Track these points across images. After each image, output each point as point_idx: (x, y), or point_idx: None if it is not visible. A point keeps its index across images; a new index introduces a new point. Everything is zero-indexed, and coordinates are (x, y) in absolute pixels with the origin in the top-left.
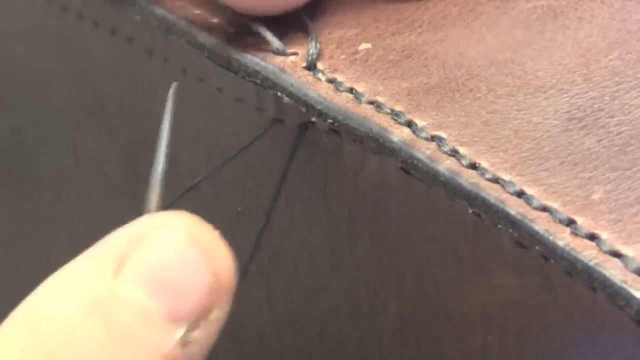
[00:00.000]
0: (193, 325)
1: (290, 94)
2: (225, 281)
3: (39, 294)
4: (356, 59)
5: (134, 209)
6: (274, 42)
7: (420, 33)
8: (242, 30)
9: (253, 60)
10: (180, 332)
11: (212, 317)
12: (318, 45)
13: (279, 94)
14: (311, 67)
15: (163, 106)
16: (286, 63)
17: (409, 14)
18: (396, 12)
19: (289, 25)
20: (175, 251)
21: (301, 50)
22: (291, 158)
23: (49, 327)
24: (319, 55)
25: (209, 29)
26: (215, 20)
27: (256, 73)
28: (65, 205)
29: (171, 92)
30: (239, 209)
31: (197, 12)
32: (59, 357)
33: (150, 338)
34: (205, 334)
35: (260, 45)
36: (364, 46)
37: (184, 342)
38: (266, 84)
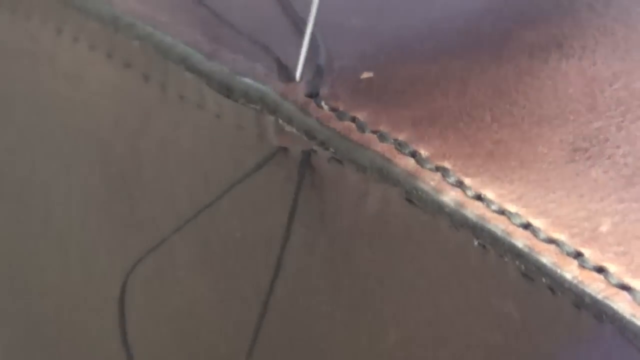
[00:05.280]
0: None
1: (291, 121)
2: None
3: None
4: (359, 88)
5: (127, 232)
6: (279, 67)
7: (422, 62)
8: (243, 56)
9: (254, 86)
10: None
11: None
12: (321, 72)
13: (280, 121)
14: (313, 94)
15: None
16: (288, 89)
17: (410, 43)
18: (397, 41)
19: (293, 51)
20: None
21: (304, 77)
22: (298, 188)
23: None
24: (321, 83)
25: (209, 54)
26: (214, 46)
27: (257, 99)
28: (58, 228)
29: None
30: (238, 235)
31: (198, 38)
32: None
33: None
34: None
35: (261, 71)
36: (366, 75)
37: None
38: (267, 110)
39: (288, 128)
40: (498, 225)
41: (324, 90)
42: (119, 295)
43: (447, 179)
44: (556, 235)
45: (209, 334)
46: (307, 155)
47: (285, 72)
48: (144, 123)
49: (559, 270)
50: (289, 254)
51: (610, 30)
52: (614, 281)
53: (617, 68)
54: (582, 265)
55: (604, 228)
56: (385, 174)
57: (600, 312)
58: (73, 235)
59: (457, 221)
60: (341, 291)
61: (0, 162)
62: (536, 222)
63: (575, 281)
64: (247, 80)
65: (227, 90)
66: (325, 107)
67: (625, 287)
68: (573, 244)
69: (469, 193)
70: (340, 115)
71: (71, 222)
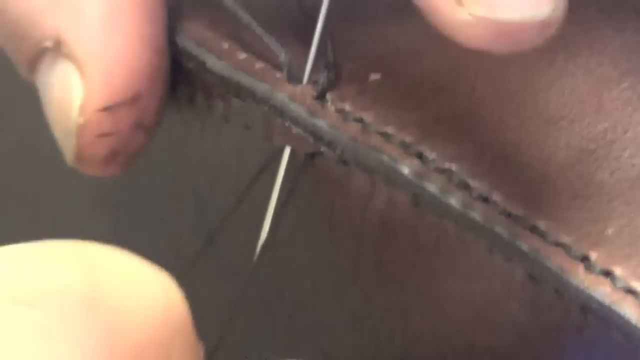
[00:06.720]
0: None
1: (298, 123)
2: None
3: None
4: (365, 89)
5: (133, 234)
6: (289, 68)
7: (430, 64)
8: (252, 57)
9: (262, 87)
10: None
11: None
12: (331, 75)
13: (287, 123)
14: (321, 96)
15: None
16: (295, 91)
17: (419, 45)
18: (406, 43)
19: (302, 52)
20: None
21: (312, 79)
22: (295, 185)
23: None
24: (329, 84)
25: (218, 54)
26: (225, 45)
27: (264, 100)
28: (65, 230)
29: None
30: (243, 237)
31: (207, 35)
32: None
33: None
34: None
35: (270, 72)
36: (373, 77)
37: None
38: (274, 111)
39: (295, 129)
40: (504, 227)
41: (331, 92)
42: None
43: (453, 181)
44: (563, 237)
45: None
46: (311, 157)
47: (293, 73)
48: None
49: (565, 274)
50: (294, 256)
51: (618, 30)
52: (620, 285)
53: (624, 68)
54: (589, 269)
55: (610, 231)
56: (391, 176)
57: (607, 317)
58: (80, 237)
59: (463, 223)
60: (346, 294)
61: (5, 164)
62: (542, 224)
63: (581, 285)
64: (255, 81)
65: (235, 90)
66: (332, 108)
67: (631, 292)
68: (579, 247)
69: (475, 195)
70: (347, 117)
71: (78, 224)
